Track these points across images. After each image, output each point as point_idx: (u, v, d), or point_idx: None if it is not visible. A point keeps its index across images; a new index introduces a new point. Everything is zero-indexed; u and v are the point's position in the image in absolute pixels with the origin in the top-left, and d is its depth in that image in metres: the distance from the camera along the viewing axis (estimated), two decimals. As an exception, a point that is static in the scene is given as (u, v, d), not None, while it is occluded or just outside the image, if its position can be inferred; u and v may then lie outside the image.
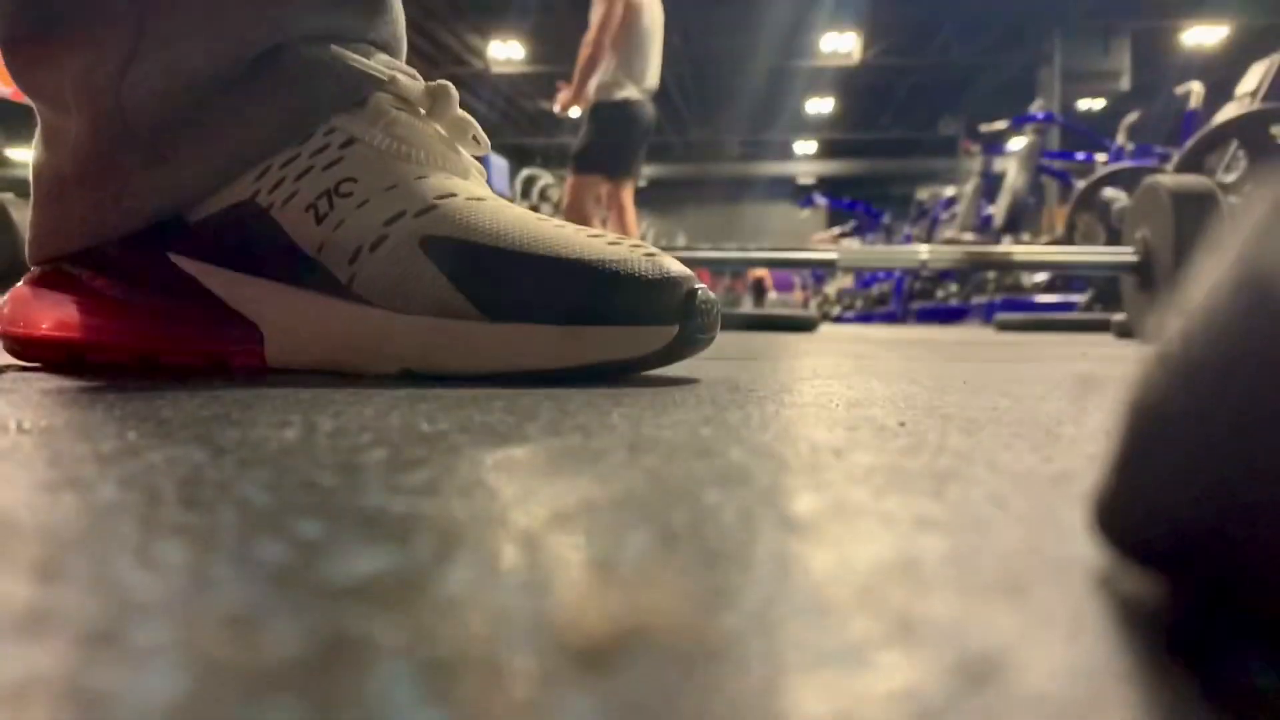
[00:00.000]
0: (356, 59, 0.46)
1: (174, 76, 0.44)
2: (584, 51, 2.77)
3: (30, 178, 0.49)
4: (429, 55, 9.73)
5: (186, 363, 0.46)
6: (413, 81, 0.48)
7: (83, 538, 0.14)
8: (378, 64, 0.47)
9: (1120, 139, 4.01)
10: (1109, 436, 0.11)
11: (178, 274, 0.45)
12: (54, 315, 0.48)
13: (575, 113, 2.98)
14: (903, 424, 0.28)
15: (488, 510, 0.16)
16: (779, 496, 0.17)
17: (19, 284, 0.50)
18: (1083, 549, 0.13)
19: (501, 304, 0.42)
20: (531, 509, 0.16)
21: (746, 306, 8.68)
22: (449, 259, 0.42)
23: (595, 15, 2.76)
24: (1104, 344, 1.33)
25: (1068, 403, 0.37)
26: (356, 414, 0.28)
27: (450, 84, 0.48)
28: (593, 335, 0.41)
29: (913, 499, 0.17)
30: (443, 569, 0.12)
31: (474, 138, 0.49)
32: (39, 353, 0.48)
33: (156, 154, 0.45)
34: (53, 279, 0.49)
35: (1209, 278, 0.09)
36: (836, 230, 8.40)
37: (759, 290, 10.64)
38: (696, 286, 0.43)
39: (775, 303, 10.22)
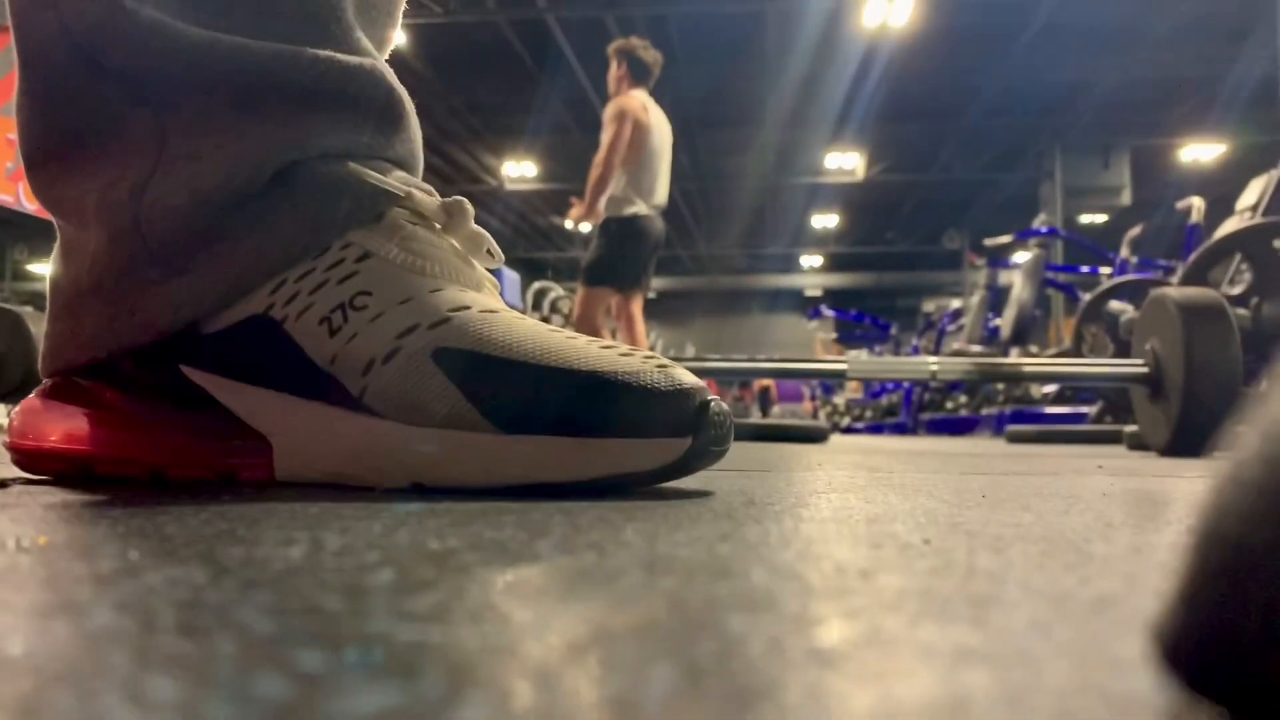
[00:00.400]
0: (373, 175, 0.47)
1: (192, 193, 0.45)
2: (594, 171, 2.84)
3: (47, 291, 0.50)
4: (445, 174, 9.98)
5: (195, 476, 0.46)
6: (428, 197, 0.48)
7: (70, 670, 0.13)
8: (394, 180, 0.47)
9: (1124, 252, 4.05)
10: (1171, 562, 0.10)
11: (188, 386, 0.45)
12: (63, 427, 0.47)
13: (586, 227, 3.04)
14: (927, 541, 0.27)
15: (499, 639, 0.15)
16: (808, 624, 0.16)
17: (30, 396, 0.50)
18: (1143, 684, 0.12)
19: (513, 416, 0.41)
20: (545, 638, 0.15)
21: (754, 416, 8.68)
22: (461, 371, 0.42)
23: (605, 136, 2.84)
24: (1118, 455, 1.31)
25: (1092, 517, 0.36)
26: (364, 530, 0.28)
27: (465, 199, 0.49)
28: (605, 448, 0.41)
29: (950, 627, 0.16)
30: (451, 708, 0.11)
31: (488, 251, 0.49)
32: (48, 465, 0.48)
33: (172, 268, 0.45)
34: (64, 391, 0.48)
35: (1292, 398, 0.08)
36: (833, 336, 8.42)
37: (765, 400, 10.66)
38: (709, 399, 0.42)
39: (782, 413, 10.22)
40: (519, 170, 10.44)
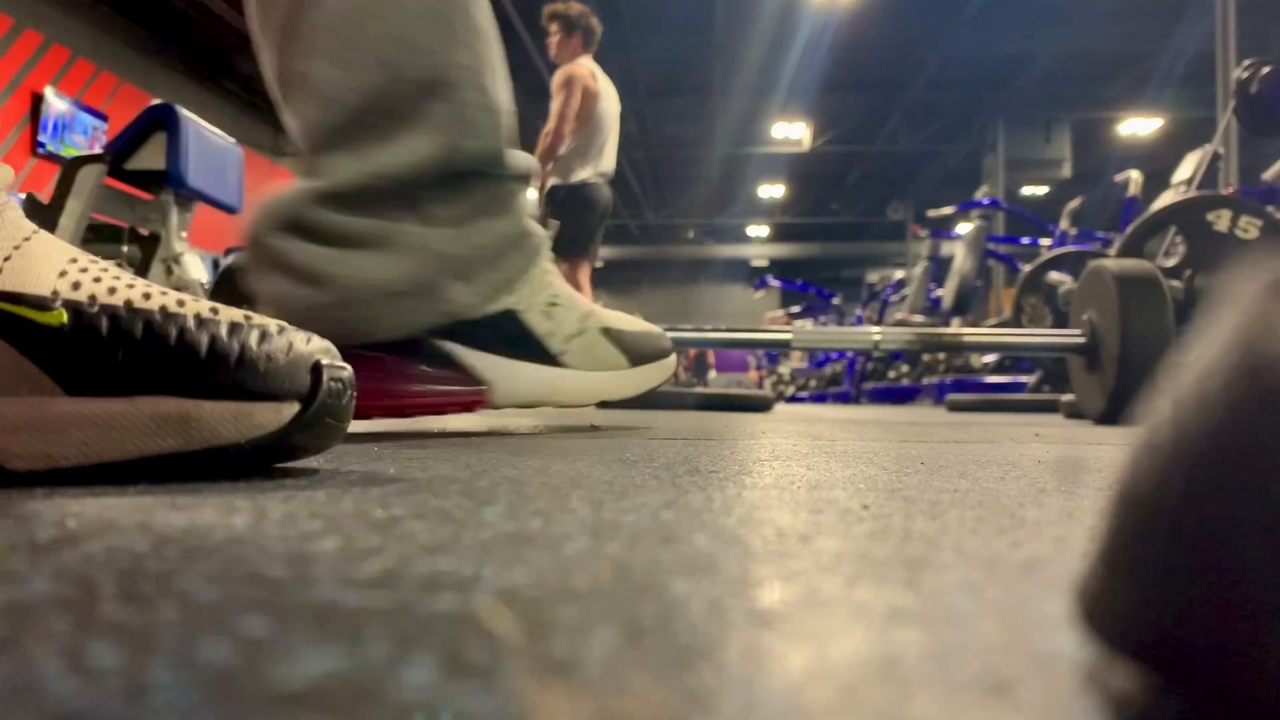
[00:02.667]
0: (538, 229, 0.75)
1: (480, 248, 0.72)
2: (544, 140, 2.81)
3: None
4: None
5: (433, 411, 0.70)
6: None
7: (11, 638, 0.13)
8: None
9: (1063, 224, 4.12)
10: (1095, 525, 0.11)
11: (437, 351, 0.69)
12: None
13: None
14: (866, 507, 0.28)
15: (444, 605, 0.15)
16: (748, 587, 0.17)
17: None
18: (1065, 642, 0.13)
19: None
20: (491, 603, 0.15)
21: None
22: (621, 343, 0.76)
23: (555, 104, 2.81)
24: (1054, 424, 1.35)
25: (1026, 484, 0.37)
26: (307, 499, 0.27)
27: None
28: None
29: (885, 589, 0.16)
30: (397, 671, 0.11)
31: None
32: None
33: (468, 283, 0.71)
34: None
35: (1201, 364, 0.09)
36: (793, 308, 8.46)
37: (702, 367, 10.72)
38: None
39: (726, 382, 10.27)
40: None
